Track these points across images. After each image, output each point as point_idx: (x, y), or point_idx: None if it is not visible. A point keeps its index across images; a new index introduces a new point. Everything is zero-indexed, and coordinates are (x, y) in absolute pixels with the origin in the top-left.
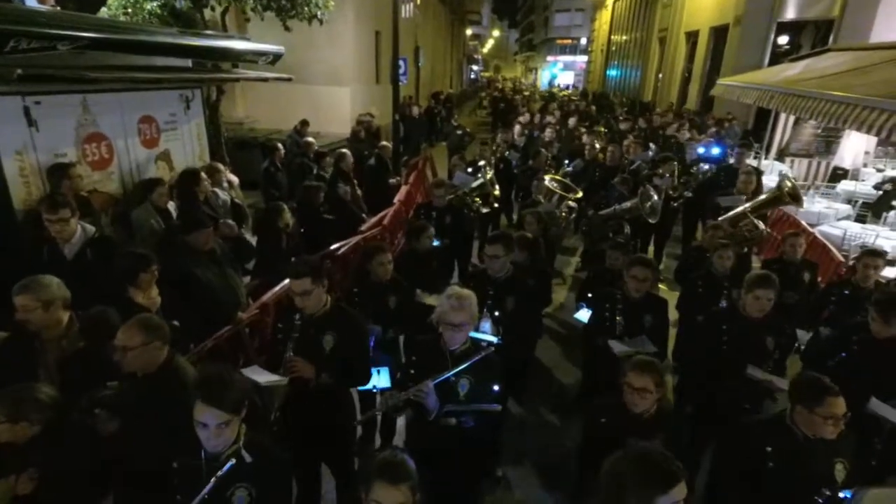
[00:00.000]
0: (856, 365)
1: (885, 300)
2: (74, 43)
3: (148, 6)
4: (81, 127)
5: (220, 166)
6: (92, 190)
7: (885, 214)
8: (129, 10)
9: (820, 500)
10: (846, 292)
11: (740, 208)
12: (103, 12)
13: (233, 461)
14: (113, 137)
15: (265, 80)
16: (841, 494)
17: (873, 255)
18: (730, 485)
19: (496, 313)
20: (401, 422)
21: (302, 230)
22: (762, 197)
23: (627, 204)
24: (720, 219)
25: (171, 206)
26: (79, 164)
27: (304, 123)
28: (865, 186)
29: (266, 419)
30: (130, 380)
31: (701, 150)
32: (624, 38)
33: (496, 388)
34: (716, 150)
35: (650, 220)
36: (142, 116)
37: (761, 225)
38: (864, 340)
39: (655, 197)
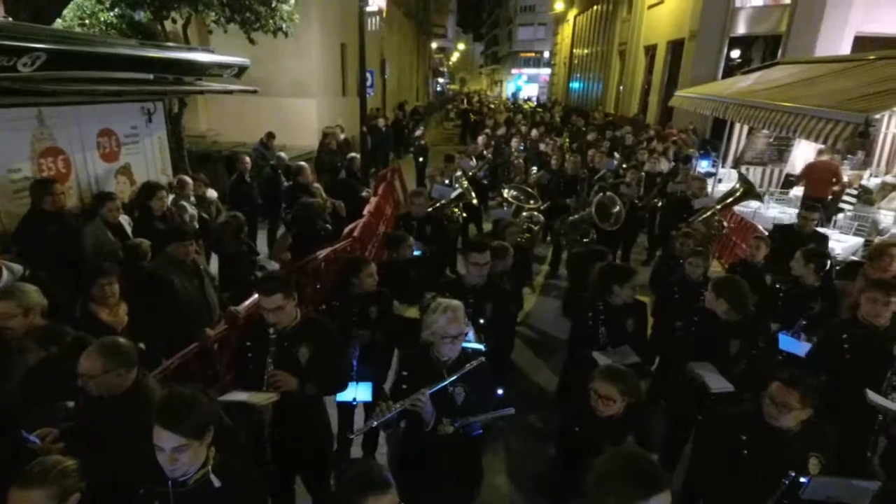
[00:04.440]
0: (848, 362)
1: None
2: (35, 62)
3: (104, 17)
4: (37, 141)
5: (188, 180)
6: None
7: (834, 218)
8: (86, 22)
9: (785, 482)
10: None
11: (712, 207)
12: (58, 24)
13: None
14: (70, 151)
15: (230, 92)
16: (801, 479)
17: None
18: (706, 471)
19: (480, 321)
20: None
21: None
22: (735, 195)
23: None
24: (691, 220)
25: (125, 220)
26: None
27: (270, 136)
28: None
29: (237, 441)
30: (97, 402)
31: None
32: (585, 51)
33: (499, 391)
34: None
35: (605, 228)
36: (101, 129)
37: (724, 223)
38: (854, 337)
39: (619, 206)
